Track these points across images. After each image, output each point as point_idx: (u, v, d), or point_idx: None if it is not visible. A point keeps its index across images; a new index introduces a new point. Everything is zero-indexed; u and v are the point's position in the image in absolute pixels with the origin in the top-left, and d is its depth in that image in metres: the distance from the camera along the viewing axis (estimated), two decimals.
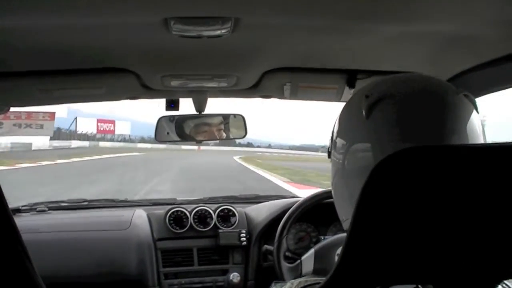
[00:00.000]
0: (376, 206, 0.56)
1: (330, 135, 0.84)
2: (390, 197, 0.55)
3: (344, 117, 0.81)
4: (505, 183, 0.54)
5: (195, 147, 55.18)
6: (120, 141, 61.35)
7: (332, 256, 1.72)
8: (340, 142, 0.79)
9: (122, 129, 60.11)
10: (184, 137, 1.93)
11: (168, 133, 1.90)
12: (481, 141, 0.72)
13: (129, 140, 64.75)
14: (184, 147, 55.90)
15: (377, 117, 0.73)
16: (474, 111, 0.73)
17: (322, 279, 0.74)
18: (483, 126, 0.74)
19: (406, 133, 0.71)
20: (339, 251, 0.58)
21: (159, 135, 1.91)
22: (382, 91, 0.75)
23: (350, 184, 0.76)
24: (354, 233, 0.58)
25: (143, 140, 65.98)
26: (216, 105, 2.04)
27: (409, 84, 0.77)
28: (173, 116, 1.89)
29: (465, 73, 1.28)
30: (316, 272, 1.48)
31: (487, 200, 0.54)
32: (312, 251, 1.55)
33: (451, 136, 0.70)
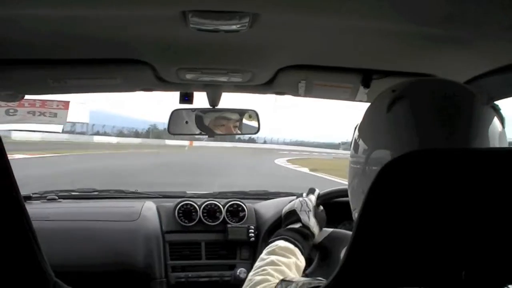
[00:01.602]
0: (381, 207, 0.56)
1: (354, 126, 0.86)
2: (395, 198, 0.55)
3: (368, 111, 0.84)
4: (509, 187, 0.54)
5: (185, 143, 38.93)
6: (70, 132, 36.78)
7: (341, 247, 1.71)
8: (362, 146, 0.81)
9: (71, 114, 19.09)
10: (203, 129, 1.94)
11: (187, 122, 1.91)
12: (503, 145, 0.72)
13: (85, 131, 40.61)
14: (169, 141, 41.41)
15: (397, 111, 0.75)
16: (496, 118, 0.73)
17: (323, 281, 0.75)
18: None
19: (426, 134, 0.72)
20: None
21: (173, 128, 1.92)
22: (408, 89, 0.77)
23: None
24: (359, 234, 0.58)
25: (121, 133, 49.14)
26: (231, 99, 1.92)
27: (435, 86, 0.79)
28: (194, 108, 1.90)
29: (480, 77, 1.27)
30: (319, 245, 1.49)
31: (492, 204, 0.54)
32: (329, 230, 1.56)
33: (473, 140, 0.70)
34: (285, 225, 1.37)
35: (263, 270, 1.12)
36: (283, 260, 1.16)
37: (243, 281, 2.11)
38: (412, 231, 0.56)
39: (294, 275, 1.14)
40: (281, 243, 1.24)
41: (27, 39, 1.20)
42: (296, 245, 1.24)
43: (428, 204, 0.54)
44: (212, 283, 2.15)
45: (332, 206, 1.89)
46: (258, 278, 1.08)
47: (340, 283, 0.61)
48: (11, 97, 1.73)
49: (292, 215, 1.37)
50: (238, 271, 2.16)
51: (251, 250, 2.22)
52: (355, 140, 0.84)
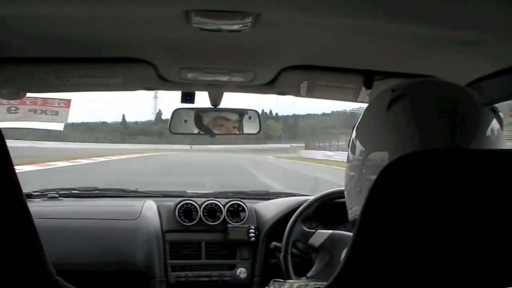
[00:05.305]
0: (383, 208, 0.56)
1: (354, 125, 0.86)
2: (397, 200, 0.55)
3: (367, 110, 0.83)
4: (508, 189, 0.54)
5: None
6: None
7: (342, 249, 1.69)
8: (359, 147, 0.81)
9: None
10: (201, 129, 1.93)
11: (186, 120, 1.91)
12: (501, 147, 0.72)
13: None
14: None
15: (397, 110, 0.75)
16: (495, 119, 0.74)
17: (322, 284, 0.74)
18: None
19: (426, 134, 0.72)
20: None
21: (175, 127, 1.91)
22: (409, 89, 0.77)
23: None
24: (360, 235, 0.58)
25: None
26: (232, 99, 1.89)
27: (435, 87, 0.79)
28: (193, 108, 1.90)
29: (482, 80, 1.27)
30: (319, 248, 1.47)
31: (493, 205, 0.54)
32: (329, 232, 1.54)
33: (472, 141, 0.70)
34: None
35: None
36: None
37: (242, 281, 2.12)
38: (414, 233, 0.55)
39: None
40: None
41: (29, 37, 1.20)
42: None
43: (430, 206, 0.54)
44: (212, 282, 2.15)
45: (331, 207, 1.89)
46: None
47: (340, 284, 0.61)
48: (13, 94, 1.73)
49: None
50: (238, 271, 2.16)
51: (251, 250, 2.22)
52: (352, 140, 0.83)
